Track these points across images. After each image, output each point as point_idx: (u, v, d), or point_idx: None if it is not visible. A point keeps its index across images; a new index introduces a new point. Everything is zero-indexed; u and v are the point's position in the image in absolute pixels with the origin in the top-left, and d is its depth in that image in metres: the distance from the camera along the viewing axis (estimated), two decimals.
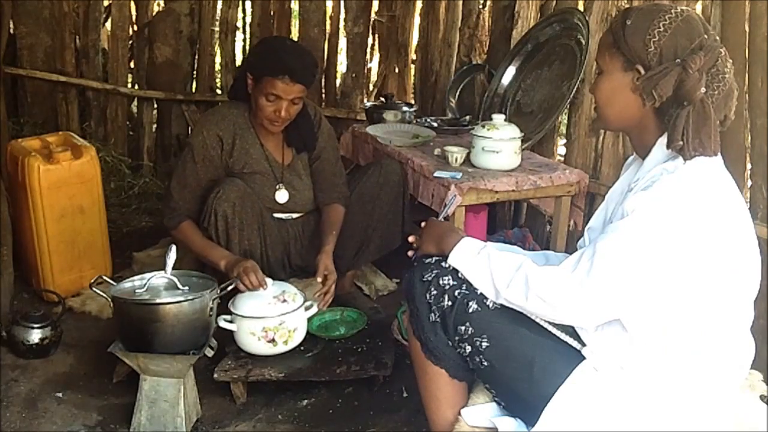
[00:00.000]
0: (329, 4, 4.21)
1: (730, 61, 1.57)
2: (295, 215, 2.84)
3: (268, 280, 2.42)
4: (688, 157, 1.52)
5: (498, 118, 2.86)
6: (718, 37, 1.60)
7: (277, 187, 2.74)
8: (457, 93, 3.80)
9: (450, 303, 1.72)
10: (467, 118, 3.57)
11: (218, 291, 2.28)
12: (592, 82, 1.80)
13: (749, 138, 2.65)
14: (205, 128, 2.68)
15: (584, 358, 1.62)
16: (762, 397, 1.82)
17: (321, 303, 2.55)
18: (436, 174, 2.79)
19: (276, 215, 2.78)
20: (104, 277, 2.36)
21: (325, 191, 2.84)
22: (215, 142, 2.65)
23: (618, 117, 1.66)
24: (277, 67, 2.52)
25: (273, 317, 2.36)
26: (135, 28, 4.37)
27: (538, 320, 1.67)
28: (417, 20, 4.18)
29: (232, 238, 2.58)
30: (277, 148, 2.76)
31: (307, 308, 2.45)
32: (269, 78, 2.52)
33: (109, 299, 2.25)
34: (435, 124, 3.47)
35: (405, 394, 2.44)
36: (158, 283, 2.26)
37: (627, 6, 2.97)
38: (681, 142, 1.51)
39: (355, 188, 2.89)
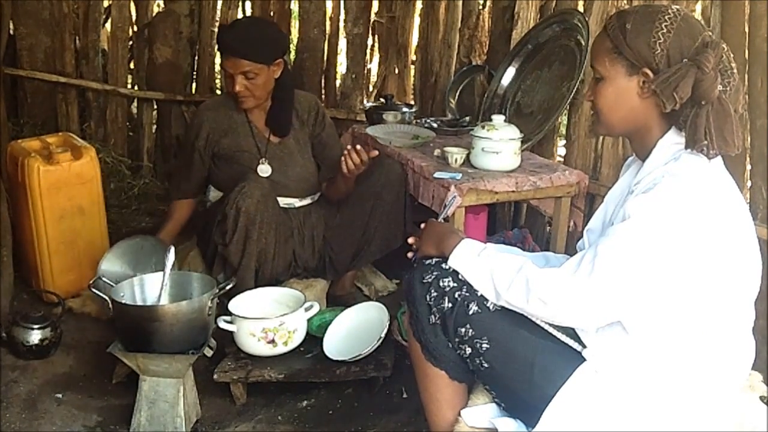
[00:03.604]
0: (329, 5, 4.21)
1: (732, 55, 1.57)
2: (297, 203, 2.87)
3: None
4: (712, 155, 1.52)
5: (498, 119, 2.86)
6: (712, 34, 1.60)
7: (261, 161, 2.82)
8: (457, 94, 3.80)
9: (450, 305, 1.72)
10: (467, 118, 3.57)
11: (217, 291, 2.28)
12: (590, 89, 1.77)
13: (749, 139, 2.65)
14: (198, 117, 2.88)
15: (584, 359, 1.62)
16: (762, 398, 1.81)
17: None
18: (435, 175, 2.79)
19: (279, 199, 2.79)
20: (103, 278, 2.36)
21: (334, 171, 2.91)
22: (204, 132, 2.83)
23: (623, 122, 1.64)
24: (220, 46, 2.74)
25: (273, 318, 2.36)
26: (135, 28, 4.36)
27: (538, 322, 1.67)
28: (417, 21, 4.18)
29: (251, 234, 2.59)
30: (266, 126, 2.88)
31: (306, 309, 2.45)
32: (222, 57, 2.77)
33: (109, 300, 2.25)
34: (435, 125, 3.47)
35: (405, 395, 2.44)
36: None
37: (626, 7, 2.97)
38: (705, 142, 1.50)
39: (356, 188, 2.89)
